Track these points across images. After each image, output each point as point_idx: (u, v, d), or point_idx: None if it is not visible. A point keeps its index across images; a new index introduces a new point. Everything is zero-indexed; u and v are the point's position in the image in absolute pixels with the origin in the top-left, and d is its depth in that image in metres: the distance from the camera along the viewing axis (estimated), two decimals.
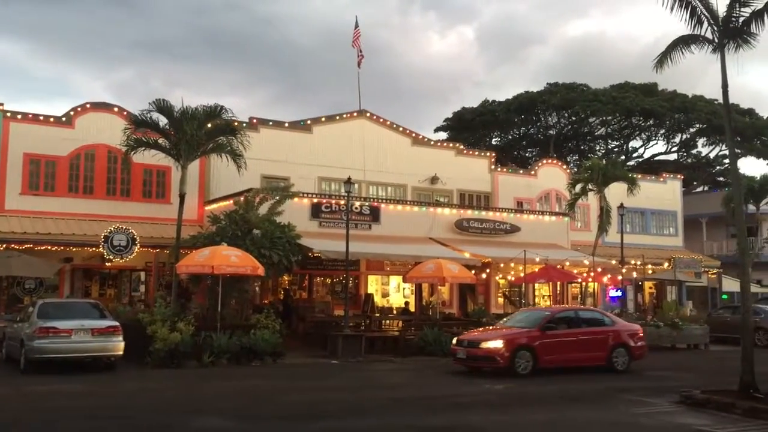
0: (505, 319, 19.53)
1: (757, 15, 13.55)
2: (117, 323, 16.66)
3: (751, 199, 36.40)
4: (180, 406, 12.13)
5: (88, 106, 25.84)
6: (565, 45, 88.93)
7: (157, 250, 23.69)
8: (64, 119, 25.33)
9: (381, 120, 30.91)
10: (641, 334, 18.45)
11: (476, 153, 34.51)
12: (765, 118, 50.57)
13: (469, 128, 52.63)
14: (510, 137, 54.98)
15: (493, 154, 35.01)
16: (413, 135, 31.70)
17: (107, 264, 23.92)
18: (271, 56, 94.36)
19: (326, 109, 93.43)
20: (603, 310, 21.77)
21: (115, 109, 25.99)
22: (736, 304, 30.32)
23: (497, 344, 16.48)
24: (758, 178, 37.55)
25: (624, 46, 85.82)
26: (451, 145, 34.35)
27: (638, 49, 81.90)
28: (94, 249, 22.84)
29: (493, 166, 33.65)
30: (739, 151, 46.52)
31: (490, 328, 18.90)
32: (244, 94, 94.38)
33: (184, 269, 19.23)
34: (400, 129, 31.35)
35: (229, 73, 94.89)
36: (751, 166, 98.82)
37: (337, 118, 30.08)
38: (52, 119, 25.17)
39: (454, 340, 17.90)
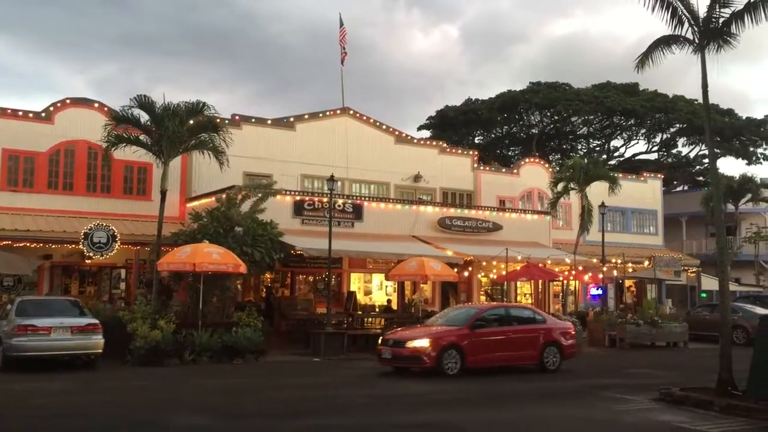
0: (434, 317, 19.01)
1: (737, 16, 13.69)
2: (97, 321, 16.54)
3: (730, 199, 36.88)
4: (160, 404, 12.05)
5: (68, 101, 25.58)
6: (549, 44, 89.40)
7: (138, 247, 23.52)
8: (43, 115, 25.05)
9: (364, 118, 30.90)
10: (573, 332, 18.08)
11: (459, 151, 34.60)
12: (744, 118, 51.15)
13: (452, 126, 52.76)
14: (493, 136, 55.17)
15: (476, 153, 35.12)
16: (396, 133, 31.72)
17: (87, 261, 23.70)
18: (255, 53, 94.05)
19: (310, 107, 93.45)
20: (534, 307, 20.97)
21: (96, 105, 25.74)
22: (714, 302, 30.68)
23: (423, 343, 15.88)
24: (737, 177, 38.04)
25: (608, 45, 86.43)
26: (434, 143, 34.40)
27: (623, 48, 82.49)
28: (73, 246, 22.60)
29: (475, 165, 33.75)
30: (718, 151, 47.00)
31: (418, 326, 18.20)
32: (227, 91, 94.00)
33: (165, 267, 19.11)
34: (384, 127, 31.36)
35: (212, 69, 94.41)
36: (730, 166, 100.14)
37: (321, 115, 30.02)
38: (31, 114, 24.89)
39: (380, 340, 17.10)
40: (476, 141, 54.11)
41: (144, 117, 20.99)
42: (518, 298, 30.10)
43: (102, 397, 12.67)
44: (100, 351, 16.27)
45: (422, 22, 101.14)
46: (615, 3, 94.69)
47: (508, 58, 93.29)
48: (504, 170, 35.92)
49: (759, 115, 52.39)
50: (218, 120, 22.40)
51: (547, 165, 37.85)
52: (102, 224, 22.28)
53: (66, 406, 11.56)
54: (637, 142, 54.01)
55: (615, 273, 31.08)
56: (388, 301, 27.61)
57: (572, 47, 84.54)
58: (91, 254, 22.10)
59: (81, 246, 21.95)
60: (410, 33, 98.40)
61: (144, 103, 20.60)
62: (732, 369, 12.85)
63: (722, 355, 13.06)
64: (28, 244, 22.67)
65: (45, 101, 78.82)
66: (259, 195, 22.07)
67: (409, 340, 16.09)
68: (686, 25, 14.19)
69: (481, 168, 34.24)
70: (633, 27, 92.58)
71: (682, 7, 14.05)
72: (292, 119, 29.45)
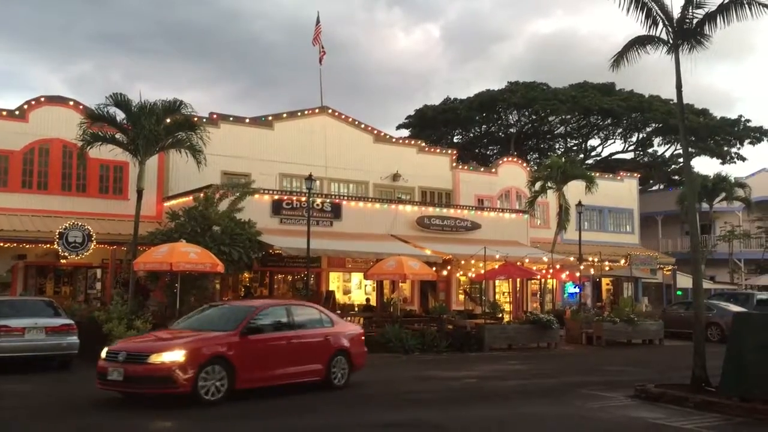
0: (184, 317, 14.15)
1: (710, 17, 13.87)
2: (72, 321, 16.35)
3: (704, 198, 37.41)
4: (131, 404, 11.90)
5: (42, 99, 25.29)
6: (530, 43, 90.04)
7: (114, 246, 23.32)
8: (17, 113, 24.74)
9: (343, 117, 30.87)
10: (363, 337, 14.63)
11: (438, 150, 34.69)
12: (719, 118, 51.82)
13: (431, 126, 52.89)
14: (471, 135, 55.38)
15: (455, 152, 35.25)
16: (375, 132, 31.74)
17: (62, 261, 23.43)
18: (234, 51, 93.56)
19: (289, 106, 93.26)
20: (319, 306, 15.69)
21: (71, 103, 25.48)
22: (689, 300, 31.06)
23: (176, 357, 11.05)
24: (711, 177, 38.57)
25: (590, 44, 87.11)
26: (412, 142, 34.47)
27: (605, 47, 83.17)
28: (48, 246, 22.35)
29: (454, 164, 33.87)
30: (693, 150, 47.63)
31: (161, 332, 13.36)
32: (206, 89, 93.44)
33: (141, 266, 18.96)
34: (362, 126, 31.36)
35: (190, 67, 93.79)
36: (704, 166, 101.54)
37: (299, 114, 29.96)
38: (4, 113, 24.56)
39: (103, 353, 11.81)
40: (455, 140, 54.28)
41: (120, 115, 20.82)
42: (496, 296, 30.25)
43: (73, 399, 12.49)
44: (76, 352, 16.07)
45: (403, 21, 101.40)
46: (594, 4, 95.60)
47: (490, 58, 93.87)
48: (482, 169, 36.07)
49: (743, 114, 53.12)
50: (195, 118, 22.27)
51: (525, 164, 38.09)
52: (77, 224, 22.05)
53: (33, 408, 11.40)
54: (614, 142, 54.62)
55: (592, 271, 31.34)
56: (367, 299, 27.61)
57: (554, 47, 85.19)
58: (66, 254, 21.88)
59: (56, 246, 21.72)
60: (391, 32, 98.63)
61: (120, 101, 20.41)
62: (706, 366, 13.02)
63: (696, 353, 13.22)
64: (1, 244, 22.39)
65: (19, 99, 77.75)
66: (237, 194, 21.97)
67: (154, 352, 11.17)
68: (660, 25, 14.35)
69: (460, 167, 34.37)
70: (615, 27, 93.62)
71: (656, 8, 14.21)
72: (270, 118, 29.36)
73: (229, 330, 11.99)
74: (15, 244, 22.68)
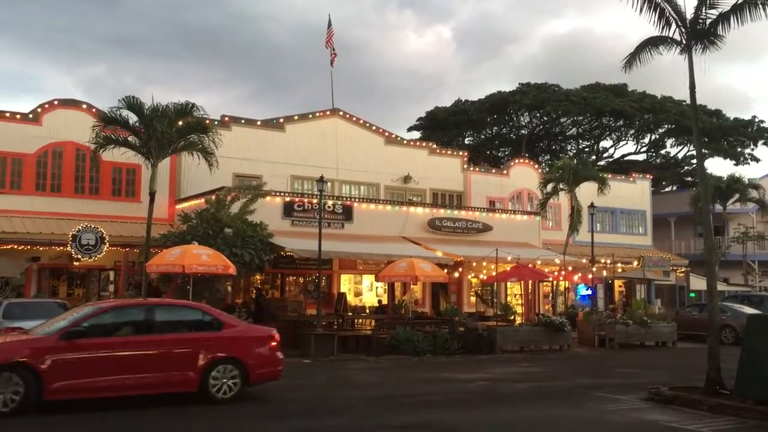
0: (52, 320, 12.60)
1: (724, 17, 13.78)
2: None
3: (718, 199, 37.09)
4: (141, 406, 11.92)
5: (56, 102, 25.49)
6: (542, 44, 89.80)
7: (127, 249, 23.42)
8: (31, 116, 24.94)
9: (354, 119, 30.91)
10: (273, 343, 12.45)
11: (449, 152, 34.65)
12: (732, 119, 51.48)
13: (442, 127, 52.84)
14: (483, 137, 55.29)
15: (466, 154, 35.20)
16: (386, 134, 31.75)
17: (75, 263, 23.59)
18: (246, 53, 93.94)
19: (301, 108, 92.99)
20: (210, 307, 13.49)
21: (84, 106, 25.66)
22: (703, 302, 30.84)
23: None
24: (725, 178, 38.28)
25: (603, 45, 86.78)
26: (424, 144, 34.45)
27: (617, 48, 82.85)
28: (61, 248, 22.49)
29: (465, 166, 33.83)
30: (706, 151, 47.28)
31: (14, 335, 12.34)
32: (218, 92, 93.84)
33: (154, 268, 19.03)
34: (374, 128, 31.38)
35: (203, 70, 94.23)
36: (718, 167, 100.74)
37: (310, 116, 30.02)
38: (18, 116, 24.77)
39: None
40: (466, 142, 54.24)
41: (133, 118, 20.94)
42: (508, 298, 30.16)
43: (84, 401, 12.51)
44: None
45: (415, 23, 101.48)
46: (607, 5, 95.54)
47: (503, 59, 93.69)
48: (494, 171, 36.00)
49: (759, 114, 52.85)
50: (207, 121, 22.37)
51: (536, 166, 37.97)
52: (90, 226, 22.18)
53: (43, 408, 11.46)
54: (626, 143, 54.39)
55: (604, 273, 31.19)
56: (379, 301, 27.59)
57: (567, 48, 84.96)
58: (79, 256, 22.00)
59: (69, 248, 21.84)
60: (403, 34, 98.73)
61: (132, 104, 20.53)
62: (720, 368, 12.91)
63: (710, 355, 13.12)
64: (15, 247, 22.53)
65: (33, 102, 78.33)
66: (249, 196, 22.04)
67: None
68: (674, 26, 14.27)
69: (471, 169, 34.32)
70: (628, 27, 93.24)
71: (669, 9, 14.13)
72: (281, 120, 29.43)
73: (49, 334, 10.99)
74: (28, 247, 22.84)
